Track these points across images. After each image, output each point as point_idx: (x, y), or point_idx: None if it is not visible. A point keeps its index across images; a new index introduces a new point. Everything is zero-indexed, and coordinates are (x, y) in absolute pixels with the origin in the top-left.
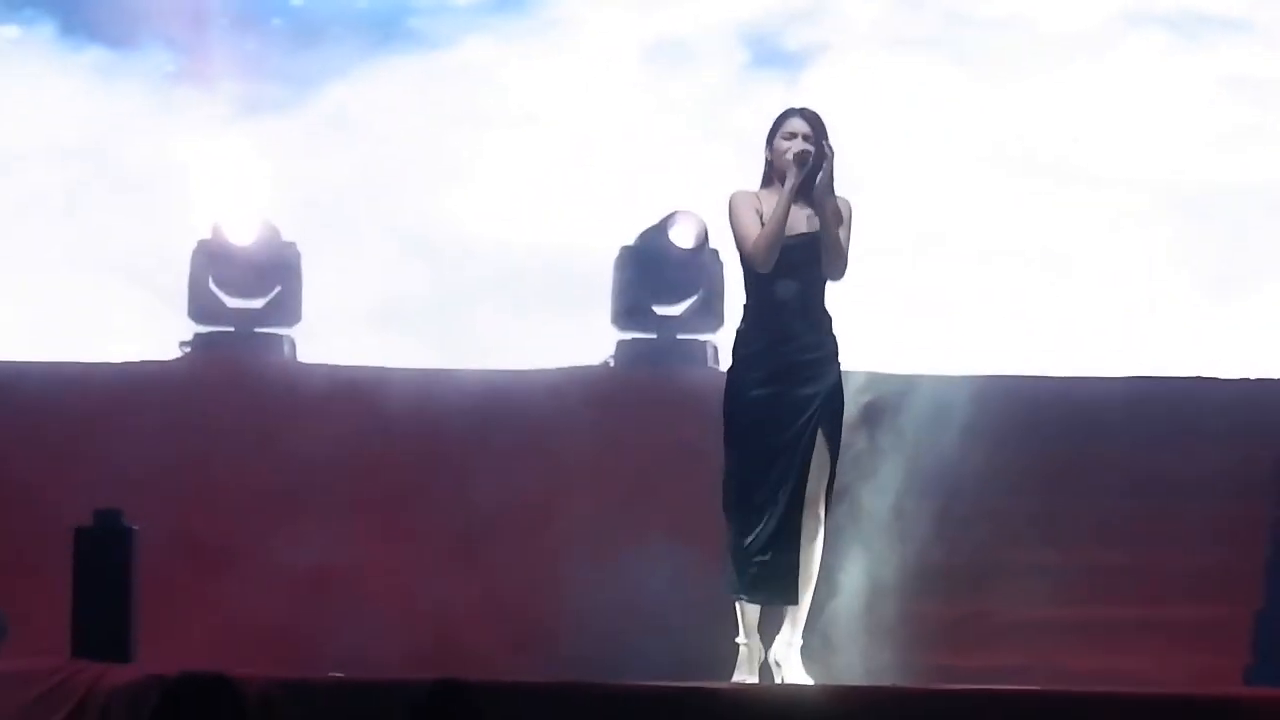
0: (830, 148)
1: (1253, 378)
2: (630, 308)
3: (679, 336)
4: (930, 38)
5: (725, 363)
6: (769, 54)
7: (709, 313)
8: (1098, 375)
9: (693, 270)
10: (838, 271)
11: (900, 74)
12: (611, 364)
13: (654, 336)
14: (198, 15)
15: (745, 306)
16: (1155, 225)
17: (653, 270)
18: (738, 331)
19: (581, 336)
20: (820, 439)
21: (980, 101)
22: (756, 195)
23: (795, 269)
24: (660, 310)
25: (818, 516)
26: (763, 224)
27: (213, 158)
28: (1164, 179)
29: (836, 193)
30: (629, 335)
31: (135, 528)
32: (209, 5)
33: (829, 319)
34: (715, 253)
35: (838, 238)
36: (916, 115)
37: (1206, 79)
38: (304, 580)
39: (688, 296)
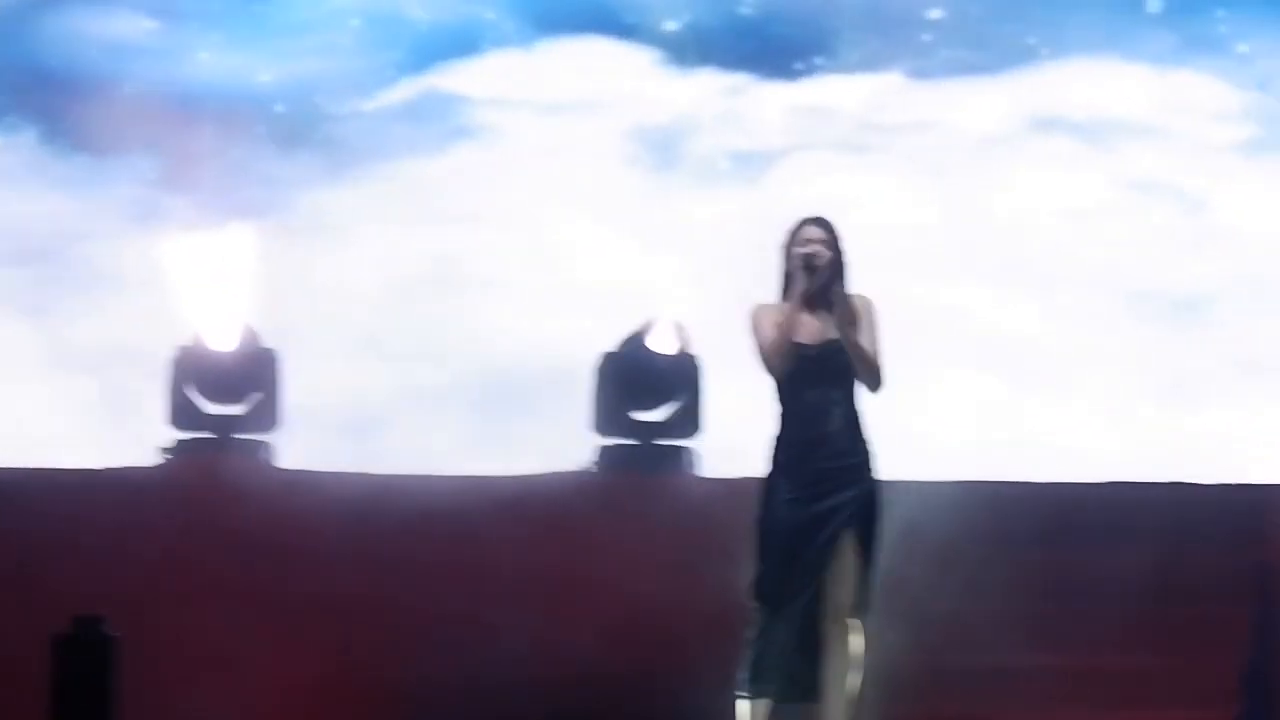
0: (843, 253)
1: (1234, 483)
2: (610, 414)
3: (659, 442)
4: (842, 142)
5: (705, 468)
6: (690, 158)
7: (688, 419)
8: (1083, 480)
9: (672, 377)
10: (870, 380)
11: (816, 179)
12: (592, 470)
13: (634, 443)
14: (181, 123)
15: (779, 414)
16: (1085, 327)
17: (633, 377)
18: (773, 439)
19: (562, 443)
20: (848, 543)
21: (898, 205)
22: (776, 308)
23: (821, 376)
24: (640, 416)
25: (851, 618)
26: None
27: (194, 264)
28: (1086, 282)
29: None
30: (609, 441)
31: (116, 635)
32: (192, 113)
33: (861, 425)
34: (694, 359)
35: (858, 346)
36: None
37: (1116, 183)
38: (284, 684)
39: (667, 403)
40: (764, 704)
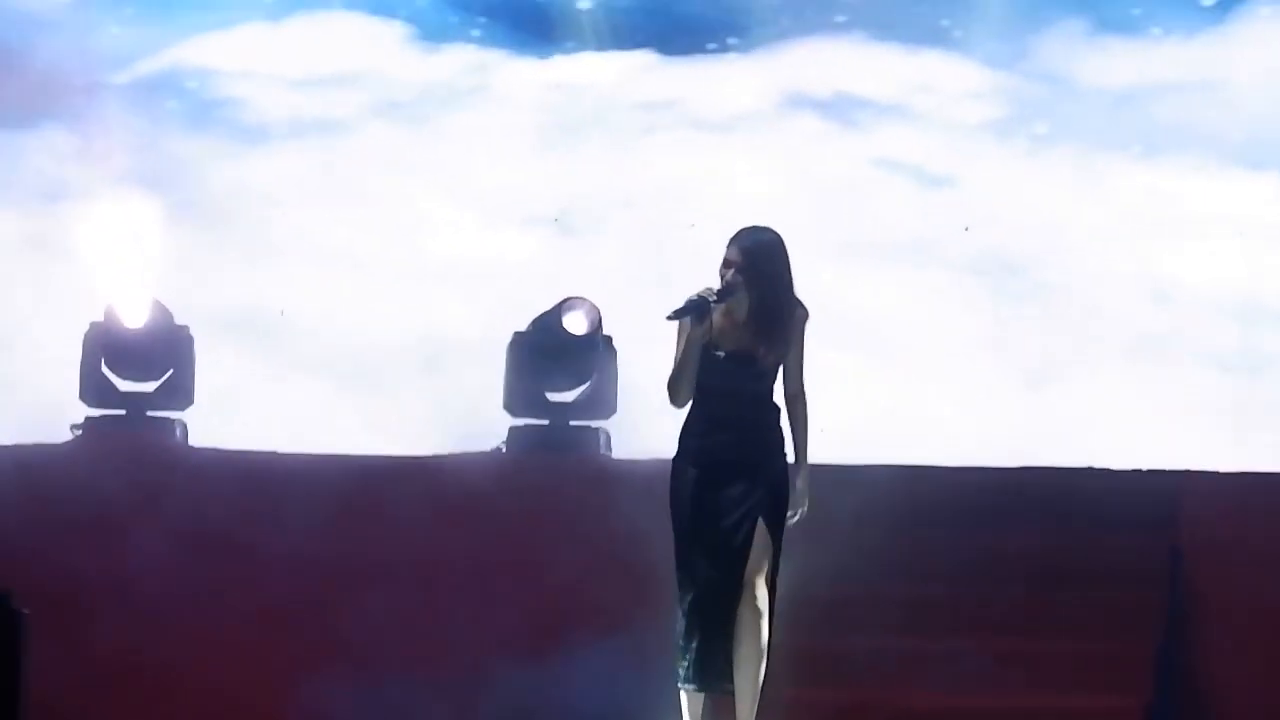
0: (771, 273)
1: (1144, 469)
2: (522, 394)
3: (571, 423)
4: (587, 118)
5: (617, 450)
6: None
7: (601, 400)
8: (990, 465)
9: (585, 357)
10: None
11: (550, 160)
12: (503, 450)
13: (546, 423)
14: (95, 97)
15: (693, 396)
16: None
17: (545, 356)
18: (684, 421)
19: (474, 422)
20: (762, 527)
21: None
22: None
23: (742, 374)
24: (553, 397)
25: (759, 604)
26: (709, 340)
27: (107, 238)
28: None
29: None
30: (521, 421)
31: (26, 611)
32: (106, 87)
33: (775, 411)
34: (608, 340)
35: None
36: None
37: (860, 161)
38: (197, 662)
39: (580, 383)
40: (699, 694)
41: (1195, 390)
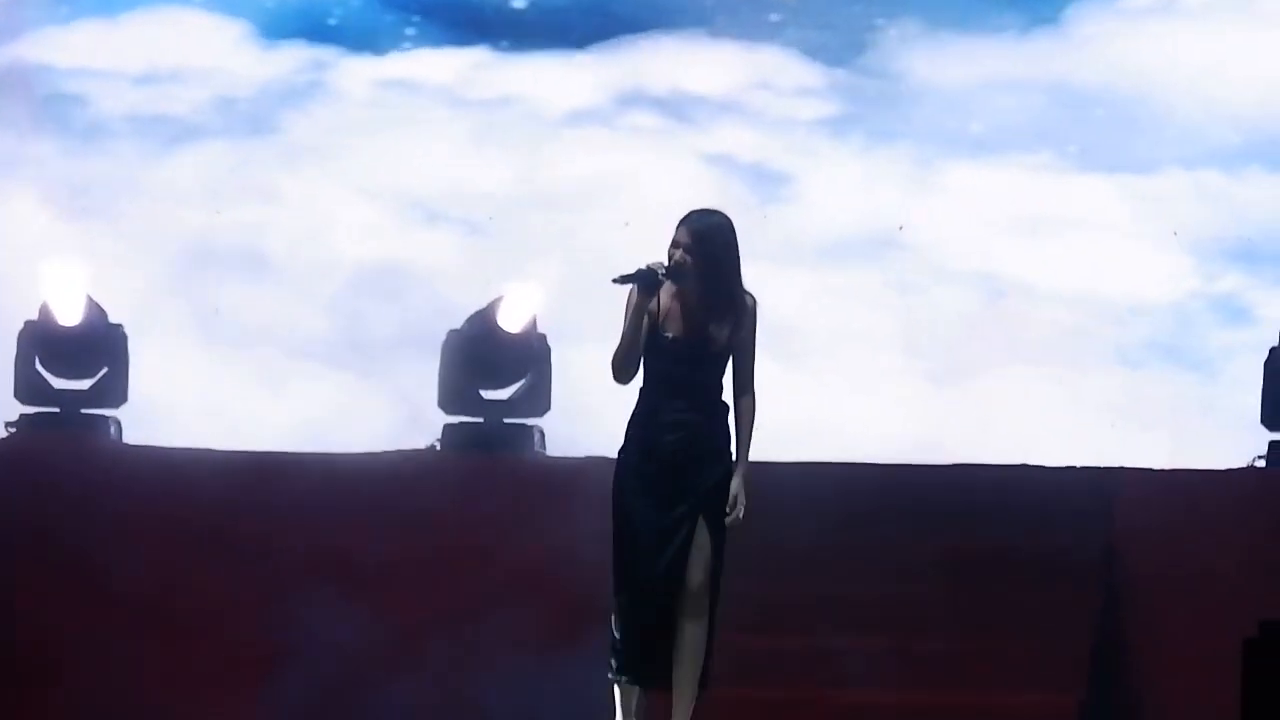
0: (719, 256)
1: (1078, 465)
2: (457, 391)
3: (506, 421)
4: (431, 116)
5: (552, 448)
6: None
7: (536, 397)
8: (919, 463)
9: (520, 354)
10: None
11: (396, 154)
12: (438, 448)
13: (481, 420)
14: (26, 96)
15: (639, 389)
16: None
17: (480, 354)
18: (631, 414)
19: (408, 419)
20: (703, 526)
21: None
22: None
23: (688, 358)
24: (487, 394)
25: (700, 601)
26: (655, 321)
27: (41, 238)
28: None
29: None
30: (455, 419)
31: None
32: (36, 87)
33: (723, 408)
34: (543, 337)
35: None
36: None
37: (694, 158)
38: (127, 663)
39: (515, 380)
40: (633, 689)
41: (1046, 386)
